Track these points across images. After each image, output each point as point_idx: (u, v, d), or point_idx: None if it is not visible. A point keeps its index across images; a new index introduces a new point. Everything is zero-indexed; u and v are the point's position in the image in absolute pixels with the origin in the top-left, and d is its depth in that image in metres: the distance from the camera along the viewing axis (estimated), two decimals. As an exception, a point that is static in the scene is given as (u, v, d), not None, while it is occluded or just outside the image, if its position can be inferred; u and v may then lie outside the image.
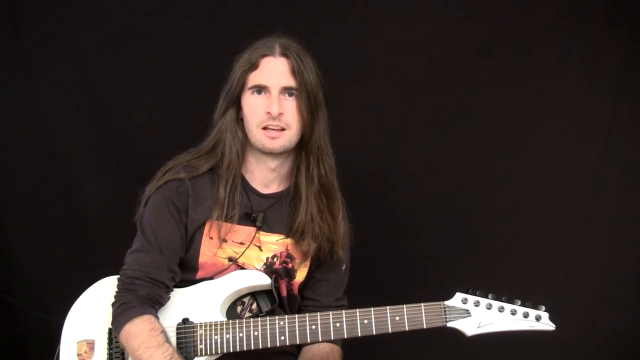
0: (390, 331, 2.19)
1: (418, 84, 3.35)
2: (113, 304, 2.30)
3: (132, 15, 3.37)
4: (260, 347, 2.24)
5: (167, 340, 2.23)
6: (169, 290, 2.33)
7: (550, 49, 3.29)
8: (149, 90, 3.39)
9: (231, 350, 2.26)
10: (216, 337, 2.27)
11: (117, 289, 2.31)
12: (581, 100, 3.30)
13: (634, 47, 3.25)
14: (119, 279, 2.33)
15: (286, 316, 2.27)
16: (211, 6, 3.33)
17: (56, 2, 3.37)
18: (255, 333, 2.25)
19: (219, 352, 2.27)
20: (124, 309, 2.25)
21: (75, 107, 3.42)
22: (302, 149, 2.39)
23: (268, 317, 2.27)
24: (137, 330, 2.22)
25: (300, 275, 2.47)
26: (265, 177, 2.42)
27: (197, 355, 2.27)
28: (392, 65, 3.34)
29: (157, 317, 2.27)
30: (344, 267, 2.53)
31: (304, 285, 2.51)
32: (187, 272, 2.38)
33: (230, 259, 2.38)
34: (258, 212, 2.40)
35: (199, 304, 2.33)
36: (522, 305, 2.17)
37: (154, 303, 2.28)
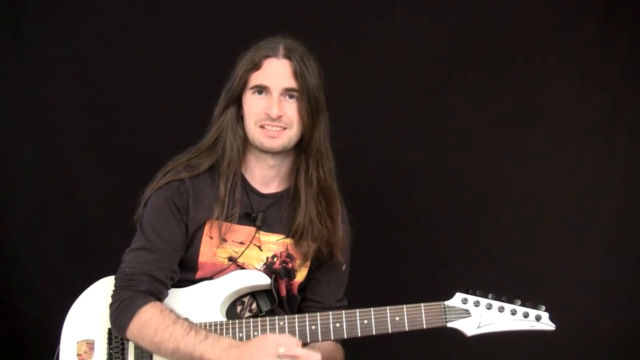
0: (390, 331, 2.19)
1: (418, 84, 3.35)
2: (111, 304, 2.27)
3: (132, 15, 3.36)
4: (261, 347, 2.24)
5: (179, 316, 2.22)
6: (167, 288, 2.31)
7: (551, 49, 3.29)
8: (149, 90, 3.39)
9: (231, 350, 2.26)
10: (216, 337, 2.26)
11: (115, 288, 2.29)
12: (581, 100, 3.30)
13: (634, 47, 3.26)
14: (116, 278, 2.30)
15: (286, 316, 2.27)
16: (212, 5, 3.33)
17: (56, 3, 3.36)
18: (255, 333, 2.24)
19: (219, 352, 2.26)
20: (126, 305, 2.22)
21: (76, 107, 3.41)
22: (301, 152, 2.39)
23: (268, 318, 2.27)
24: (148, 317, 2.19)
25: (300, 275, 2.47)
26: (264, 176, 2.42)
27: (197, 355, 2.27)
28: (392, 65, 3.33)
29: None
30: (344, 268, 2.52)
31: (304, 285, 2.51)
32: (187, 272, 2.37)
33: (230, 259, 2.38)
34: (258, 212, 2.39)
35: (198, 304, 2.32)
36: (522, 305, 2.18)
37: (155, 298, 2.26)
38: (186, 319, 2.27)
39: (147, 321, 2.19)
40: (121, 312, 2.23)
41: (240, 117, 2.39)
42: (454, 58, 3.32)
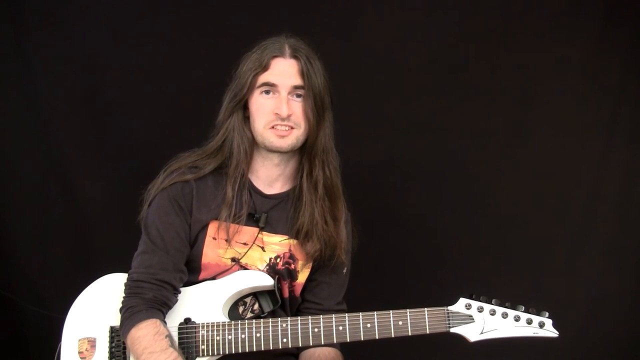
0: (393, 336, 2.19)
1: (420, 84, 3.35)
2: (120, 309, 2.28)
3: (133, 16, 3.36)
4: (263, 348, 2.25)
5: (172, 344, 2.21)
6: (176, 292, 2.32)
7: (551, 48, 3.29)
8: (150, 91, 3.39)
9: (233, 352, 2.26)
10: (218, 337, 2.27)
11: (124, 294, 2.30)
12: (581, 100, 3.31)
13: (634, 47, 3.26)
14: (125, 284, 2.31)
15: (289, 318, 2.26)
16: (213, 6, 3.32)
17: (57, 3, 3.35)
18: (258, 335, 2.24)
19: (221, 353, 2.27)
20: (130, 314, 2.24)
21: (76, 107, 3.41)
22: (307, 151, 2.39)
23: (270, 319, 2.27)
24: (142, 334, 2.20)
25: (303, 277, 2.47)
26: (269, 176, 2.42)
27: (198, 356, 2.27)
28: (393, 65, 3.34)
29: (164, 322, 2.26)
30: (345, 271, 2.52)
31: (304, 287, 2.50)
32: (190, 274, 2.37)
33: (233, 259, 2.38)
34: (261, 213, 2.39)
35: (201, 303, 2.33)
36: (526, 311, 2.17)
37: (161, 306, 2.27)
38: (188, 319, 2.29)
39: (139, 337, 2.20)
40: (126, 319, 2.25)
41: (246, 118, 2.39)
42: (454, 58, 3.32)
